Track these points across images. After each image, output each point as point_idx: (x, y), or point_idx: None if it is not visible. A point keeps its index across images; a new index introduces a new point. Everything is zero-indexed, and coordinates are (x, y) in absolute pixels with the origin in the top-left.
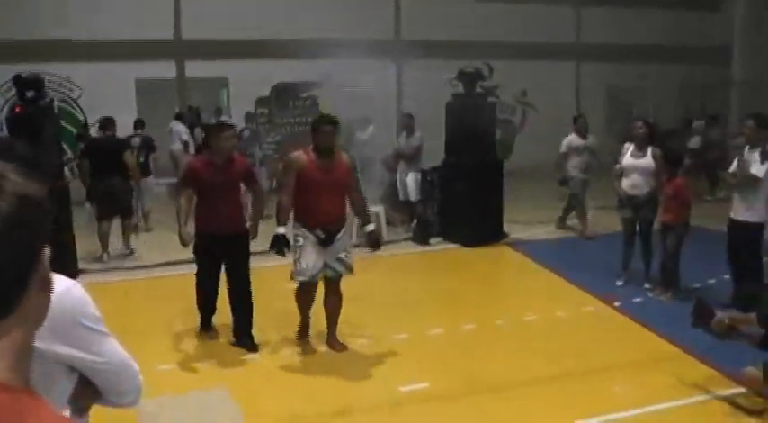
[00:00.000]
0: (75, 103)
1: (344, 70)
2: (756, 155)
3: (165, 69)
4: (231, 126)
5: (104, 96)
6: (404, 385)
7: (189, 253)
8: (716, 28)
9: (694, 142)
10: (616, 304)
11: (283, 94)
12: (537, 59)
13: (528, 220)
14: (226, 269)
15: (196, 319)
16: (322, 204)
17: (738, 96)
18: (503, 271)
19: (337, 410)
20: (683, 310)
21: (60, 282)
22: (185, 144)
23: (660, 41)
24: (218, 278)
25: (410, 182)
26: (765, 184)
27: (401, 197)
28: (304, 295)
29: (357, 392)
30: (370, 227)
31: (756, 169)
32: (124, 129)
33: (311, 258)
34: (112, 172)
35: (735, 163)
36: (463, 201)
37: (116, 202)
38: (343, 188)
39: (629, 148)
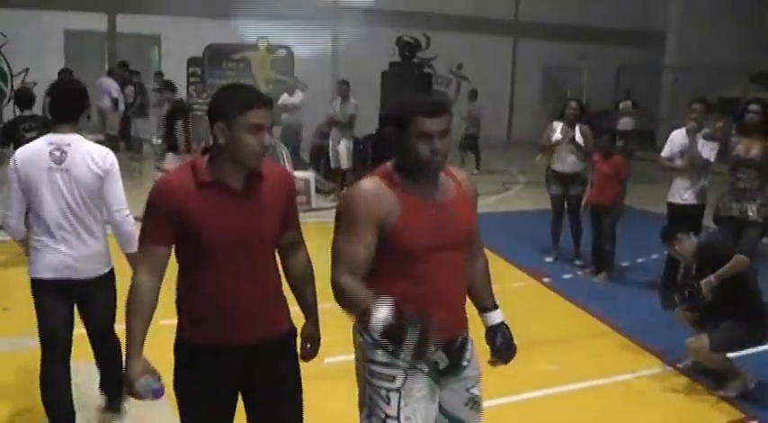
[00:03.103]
0: None
1: (280, 33)
2: (701, 138)
3: (95, 22)
4: (265, 96)
5: (30, 45)
6: (328, 357)
7: None
8: (653, 13)
9: (624, 123)
10: (545, 280)
11: (216, 55)
12: (474, 33)
13: None
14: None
15: None
16: (436, 288)
17: (670, 81)
18: None
19: None
20: (612, 288)
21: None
22: (115, 101)
23: (598, 24)
24: None
25: (342, 149)
26: (712, 167)
27: (332, 164)
28: None
29: None
30: (498, 316)
31: (708, 153)
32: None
33: (420, 415)
34: None
35: (667, 147)
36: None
37: None
38: (468, 243)
39: (559, 125)
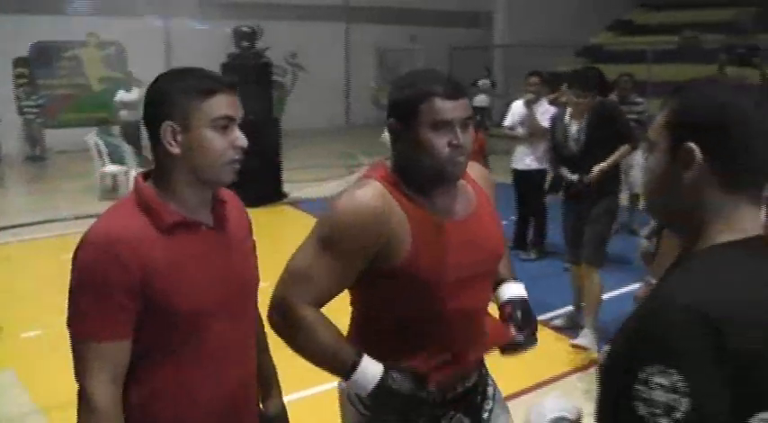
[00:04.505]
0: None
1: (110, 27)
2: (543, 108)
3: None
4: (229, 78)
5: None
6: None
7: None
8: None
9: (480, 100)
10: None
11: (44, 53)
12: (306, 20)
13: (306, 180)
14: None
15: None
16: (456, 336)
17: (501, 58)
18: (287, 230)
19: None
20: None
21: None
22: None
23: (428, 6)
24: None
25: None
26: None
27: None
28: None
29: None
30: (518, 289)
31: (546, 121)
32: None
33: None
34: None
35: (509, 117)
36: (241, 160)
37: None
38: (495, 267)
39: None
